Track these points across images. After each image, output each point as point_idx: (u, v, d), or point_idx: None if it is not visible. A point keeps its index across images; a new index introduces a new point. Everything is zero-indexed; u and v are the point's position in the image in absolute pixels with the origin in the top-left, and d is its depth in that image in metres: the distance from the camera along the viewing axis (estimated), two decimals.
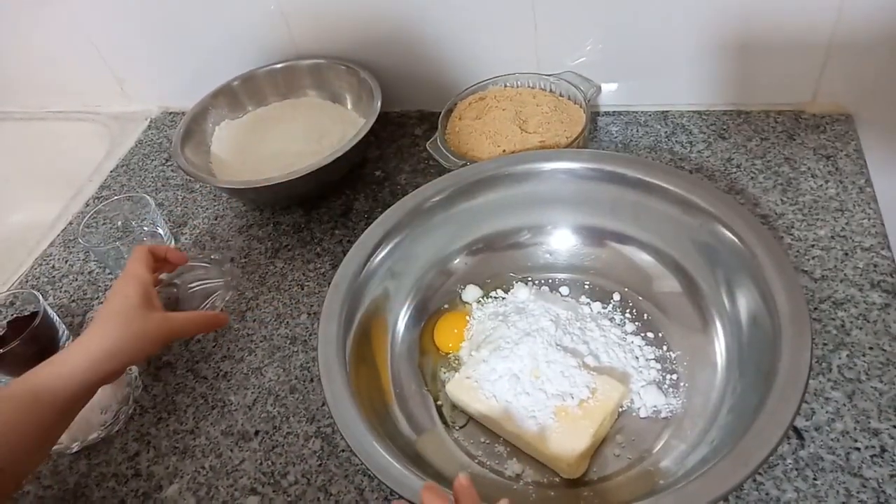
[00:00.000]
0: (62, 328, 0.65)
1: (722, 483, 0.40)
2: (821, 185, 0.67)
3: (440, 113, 0.76)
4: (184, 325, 0.54)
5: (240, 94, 0.83)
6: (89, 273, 0.75)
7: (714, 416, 0.50)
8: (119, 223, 0.76)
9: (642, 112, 0.79)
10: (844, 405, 0.51)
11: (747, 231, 0.52)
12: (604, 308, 0.60)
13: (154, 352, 0.52)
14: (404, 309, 0.61)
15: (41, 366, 0.48)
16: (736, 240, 0.53)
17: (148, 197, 0.74)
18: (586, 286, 0.63)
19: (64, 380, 0.47)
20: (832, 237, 0.62)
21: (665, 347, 0.57)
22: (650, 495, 0.42)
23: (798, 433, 0.50)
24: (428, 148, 0.72)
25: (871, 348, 0.54)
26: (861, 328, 0.55)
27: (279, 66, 0.84)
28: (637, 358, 0.57)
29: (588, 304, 0.61)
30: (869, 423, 0.50)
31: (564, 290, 0.62)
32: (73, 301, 0.72)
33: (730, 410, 0.49)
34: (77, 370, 0.48)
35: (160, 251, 0.58)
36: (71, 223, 0.83)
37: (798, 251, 0.61)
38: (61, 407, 0.47)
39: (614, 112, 0.80)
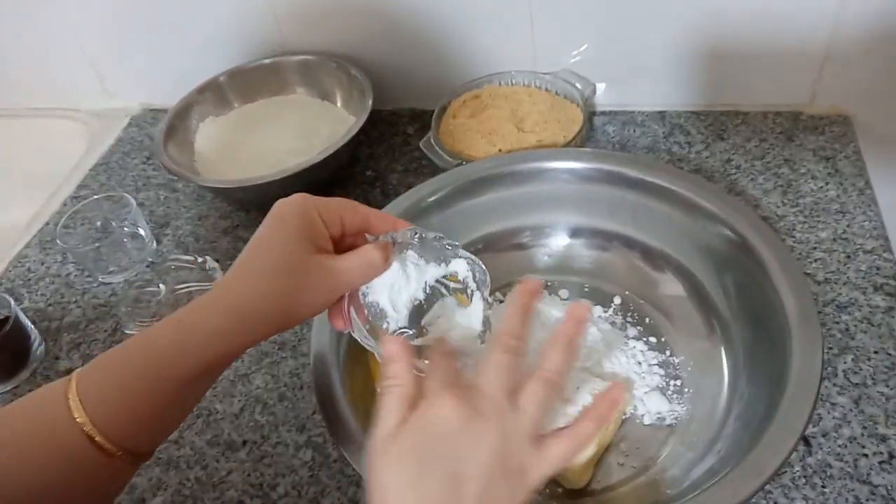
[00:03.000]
0: (35, 335, 0.62)
1: (734, 494, 0.39)
2: (821, 187, 0.66)
3: (433, 111, 0.74)
4: (352, 271, 0.39)
5: (226, 89, 0.80)
6: (67, 276, 0.72)
7: (721, 424, 0.48)
8: (98, 223, 0.73)
9: (639, 112, 0.77)
10: (851, 410, 0.50)
11: (754, 234, 0.51)
12: (604, 312, 0.59)
13: (315, 311, 0.39)
14: None
15: (160, 326, 0.36)
16: (743, 242, 0.51)
17: (128, 196, 0.71)
18: (586, 289, 0.61)
19: (193, 351, 0.35)
20: (834, 239, 0.61)
21: (668, 352, 0.56)
22: None
23: (805, 440, 0.49)
24: (421, 147, 0.70)
25: (876, 352, 0.53)
26: (865, 332, 0.54)
27: (267, 61, 0.81)
28: (639, 363, 0.55)
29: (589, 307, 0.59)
30: (876, 428, 0.49)
31: (564, 293, 0.61)
32: (50, 305, 0.69)
33: (737, 418, 0.48)
34: (213, 336, 0.36)
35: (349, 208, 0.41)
36: (48, 223, 0.79)
37: (800, 254, 0.60)
38: (185, 384, 0.36)
39: (611, 112, 0.78)
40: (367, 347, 0.42)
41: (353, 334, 0.42)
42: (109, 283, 0.71)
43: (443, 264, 0.42)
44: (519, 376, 0.36)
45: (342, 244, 0.40)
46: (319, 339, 0.49)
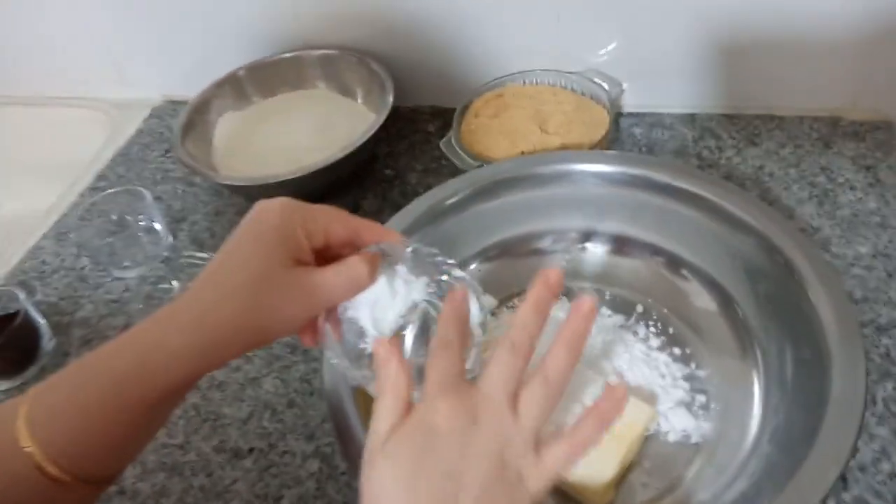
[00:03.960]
0: (45, 330, 0.61)
1: None
2: (860, 198, 0.62)
3: (455, 109, 0.72)
4: (334, 287, 0.35)
5: (245, 84, 0.79)
6: (81, 269, 0.72)
7: (754, 445, 0.46)
8: (114, 217, 0.72)
9: (668, 114, 0.74)
10: (892, 443, 0.47)
11: (791, 245, 0.48)
12: (626, 321, 0.56)
13: (292, 330, 0.36)
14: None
15: (119, 343, 0.33)
16: (778, 254, 0.49)
17: (144, 191, 0.70)
18: (607, 297, 0.58)
19: (157, 372, 0.33)
20: (874, 255, 0.58)
21: (693, 365, 0.53)
22: None
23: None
24: (441, 147, 0.68)
25: None
26: None
27: (287, 55, 0.80)
28: (663, 376, 0.53)
29: (609, 315, 0.57)
30: None
31: None
32: (63, 299, 0.69)
33: (771, 440, 0.45)
34: (179, 356, 0.33)
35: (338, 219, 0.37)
36: (65, 215, 0.79)
37: (836, 269, 0.57)
38: (148, 408, 0.33)
39: (638, 113, 0.75)
40: (340, 369, 0.39)
41: (324, 353, 0.38)
42: (123, 279, 0.70)
43: (435, 283, 0.38)
44: (521, 377, 0.35)
45: (326, 254, 0.37)
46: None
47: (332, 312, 0.37)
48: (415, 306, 0.38)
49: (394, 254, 0.38)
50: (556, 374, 0.35)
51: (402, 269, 0.38)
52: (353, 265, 0.36)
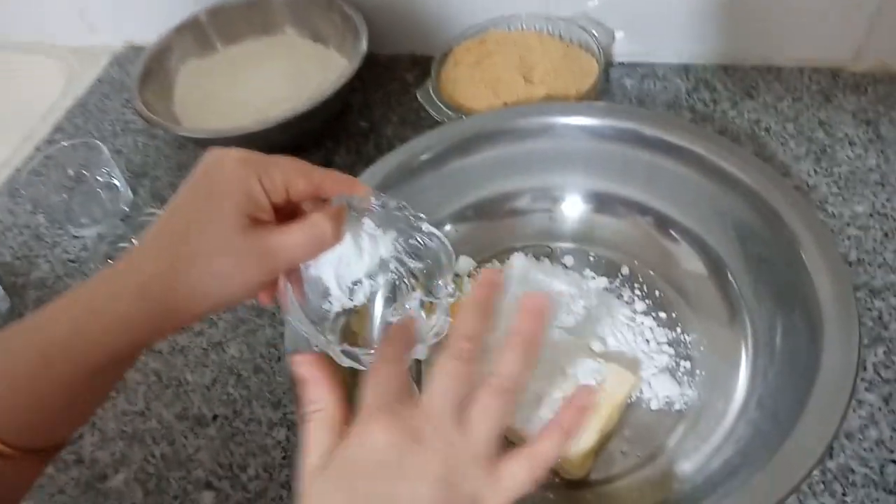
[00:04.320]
0: (0, 293, 0.58)
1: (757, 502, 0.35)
2: (859, 155, 0.59)
3: (434, 57, 0.67)
4: (296, 247, 0.32)
5: (208, 29, 0.73)
6: (36, 227, 0.68)
7: (740, 411, 0.44)
8: (71, 172, 0.68)
9: (661, 64, 0.70)
10: (880, 409, 0.45)
11: (785, 204, 0.45)
12: (610, 284, 0.54)
13: (251, 294, 0.32)
14: None
15: (54, 307, 0.30)
16: (771, 213, 0.46)
17: (101, 144, 0.66)
18: (591, 257, 0.56)
19: (99, 340, 0.30)
20: (871, 215, 0.55)
21: (679, 329, 0.51)
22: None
23: None
24: (418, 96, 0.64)
25: None
26: None
27: None
28: (648, 341, 0.50)
29: (593, 278, 0.54)
30: None
31: (569, 259, 0.55)
32: (18, 258, 0.65)
33: (758, 405, 0.43)
34: (121, 324, 0.30)
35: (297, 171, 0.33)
36: (18, 169, 0.74)
37: (832, 229, 0.54)
38: (90, 375, 0.30)
39: (630, 63, 0.71)
40: (302, 333, 0.36)
41: (285, 315, 0.35)
42: (81, 237, 0.66)
43: (404, 238, 0.35)
44: (470, 387, 0.31)
45: (286, 209, 0.33)
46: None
47: (293, 271, 0.34)
48: (383, 263, 0.35)
49: (360, 207, 0.35)
50: (509, 380, 0.31)
51: (368, 223, 0.35)
52: (317, 223, 0.32)
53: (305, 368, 0.32)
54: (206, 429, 0.50)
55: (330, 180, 0.34)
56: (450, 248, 0.37)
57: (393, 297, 0.36)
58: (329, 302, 0.34)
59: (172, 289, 0.30)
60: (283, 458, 0.48)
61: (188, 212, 0.31)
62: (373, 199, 0.35)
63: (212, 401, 0.52)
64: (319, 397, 0.32)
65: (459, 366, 0.31)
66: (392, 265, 0.35)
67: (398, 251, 0.35)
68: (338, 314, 0.35)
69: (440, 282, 0.36)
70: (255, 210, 0.31)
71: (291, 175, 0.33)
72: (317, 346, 0.37)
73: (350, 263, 0.34)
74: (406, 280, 0.36)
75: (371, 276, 0.35)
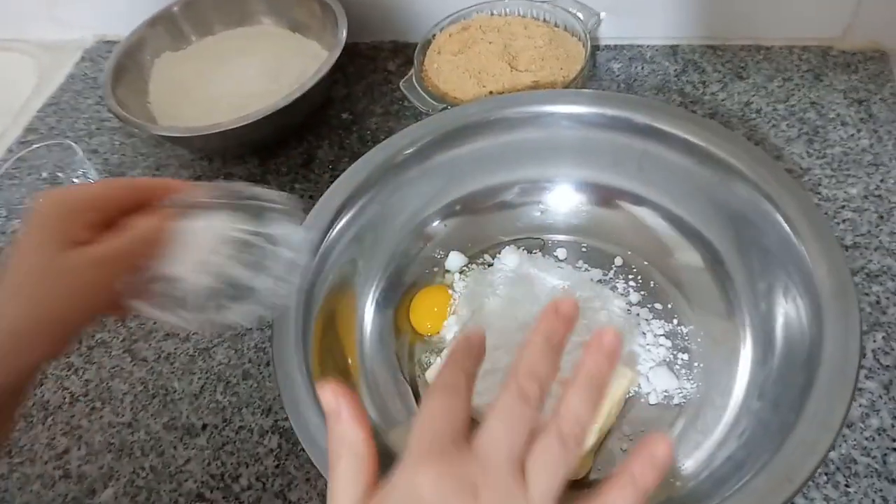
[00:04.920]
0: None
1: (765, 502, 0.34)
2: (852, 135, 0.58)
3: (417, 45, 0.65)
4: (121, 255, 0.33)
5: (181, 21, 0.71)
6: (12, 234, 0.65)
7: (742, 404, 0.43)
8: (45, 174, 0.66)
9: (648, 46, 0.69)
10: (881, 397, 0.44)
11: (779, 189, 0.44)
12: (604, 275, 0.53)
13: (103, 309, 0.34)
14: (376, 281, 0.52)
15: None
16: (765, 199, 0.45)
17: (75, 145, 0.63)
18: (583, 249, 0.55)
19: None
20: (865, 196, 0.54)
21: (675, 321, 0.50)
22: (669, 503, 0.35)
23: None
24: (401, 88, 0.62)
25: None
26: None
27: None
28: (644, 334, 0.50)
29: (586, 269, 0.53)
30: None
31: (561, 252, 0.54)
32: None
33: (760, 396, 0.43)
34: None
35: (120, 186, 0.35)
36: None
37: (826, 213, 0.54)
38: None
39: (616, 46, 0.69)
40: (167, 322, 0.36)
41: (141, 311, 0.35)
42: None
43: (239, 208, 0.36)
44: (531, 432, 0.28)
45: (121, 223, 0.34)
46: (284, 316, 0.43)
47: (138, 272, 0.35)
48: (224, 238, 0.36)
49: (191, 200, 0.36)
50: (574, 426, 0.28)
51: (201, 211, 0.36)
52: (138, 225, 0.34)
53: (333, 398, 0.30)
54: (195, 439, 0.49)
55: (153, 185, 0.36)
56: (297, 211, 0.37)
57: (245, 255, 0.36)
58: (179, 288, 0.35)
59: (12, 323, 0.31)
60: (276, 466, 0.47)
61: (19, 248, 0.32)
62: (204, 192, 0.36)
63: (200, 409, 0.50)
64: (349, 434, 0.29)
65: (523, 409, 0.28)
66: (233, 235, 0.36)
67: (235, 221, 0.36)
68: (195, 294, 0.35)
69: (281, 250, 0.36)
70: (73, 232, 0.32)
71: (111, 190, 0.35)
72: (179, 327, 0.38)
73: (190, 248, 0.35)
74: (247, 253, 0.36)
75: (214, 253, 0.36)
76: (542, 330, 0.30)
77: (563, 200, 0.55)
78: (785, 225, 0.43)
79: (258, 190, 0.37)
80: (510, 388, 0.29)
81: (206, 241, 0.35)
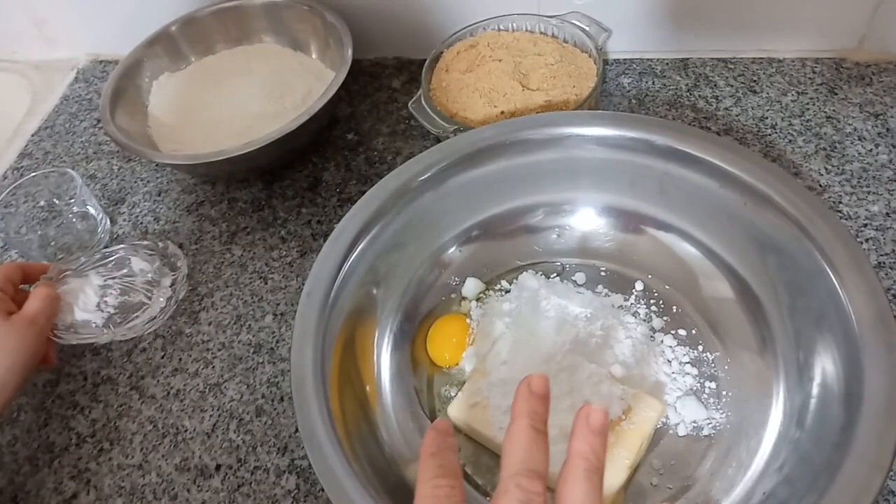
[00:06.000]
0: None
1: None
2: (870, 150, 0.57)
3: (421, 60, 0.64)
4: (39, 313, 0.48)
5: (179, 40, 0.69)
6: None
7: (782, 434, 0.42)
8: (42, 203, 0.64)
9: (658, 60, 0.68)
10: None
11: (807, 212, 0.43)
12: (625, 301, 0.52)
13: (36, 359, 0.48)
14: (393, 312, 0.51)
15: None
16: (792, 221, 0.43)
17: (72, 172, 0.61)
18: (602, 272, 0.53)
19: None
20: (887, 214, 0.53)
21: (700, 347, 0.48)
22: None
23: None
24: (410, 108, 0.60)
25: None
26: None
27: (227, 5, 0.70)
28: (669, 362, 0.48)
29: (606, 295, 0.52)
30: None
31: (580, 276, 0.53)
32: None
33: (798, 426, 0.41)
34: None
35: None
36: None
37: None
38: None
39: (626, 60, 0.68)
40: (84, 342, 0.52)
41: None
42: None
43: (101, 265, 0.55)
44: None
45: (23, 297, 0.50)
46: (301, 350, 0.42)
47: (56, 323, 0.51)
48: (104, 287, 0.53)
49: (66, 267, 0.54)
50: None
51: (86, 274, 0.54)
52: (40, 290, 0.50)
53: (440, 438, 0.29)
54: (209, 480, 0.47)
55: (32, 268, 0.53)
56: (144, 258, 0.56)
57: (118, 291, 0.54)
58: (94, 323, 0.52)
59: None
60: None
61: None
62: (66, 264, 0.54)
63: (213, 449, 0.48)
64: (449, 477, 0.28)
65: None
66: (108, 283, 0.54)
67: (105, 273, 0.54)
68: (103, 325, 0.52)
69: (137, 281, 0.55)
70: (4, 307, 0.47)
71: (10, 273, 0.50)
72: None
73: (84, 297, 0.52)
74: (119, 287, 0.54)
75: (102, 295, 0.53)
76: (522, 413, 0.29)
77: (582, 224, 0.54)
78: (816, 252, 0.42)
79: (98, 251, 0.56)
80: (512, 493, 0.27)
81: (88, 292, 0.52)
